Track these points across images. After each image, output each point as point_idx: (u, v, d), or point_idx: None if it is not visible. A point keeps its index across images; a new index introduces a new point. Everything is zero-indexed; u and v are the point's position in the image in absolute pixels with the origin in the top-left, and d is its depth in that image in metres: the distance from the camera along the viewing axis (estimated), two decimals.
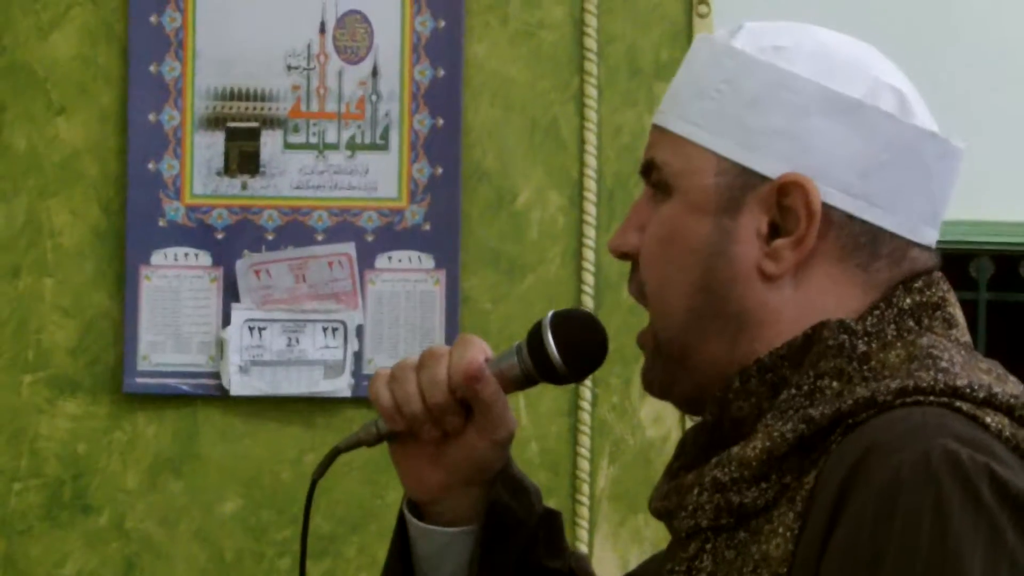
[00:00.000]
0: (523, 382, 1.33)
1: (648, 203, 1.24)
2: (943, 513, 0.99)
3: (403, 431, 1.34)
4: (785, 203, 1.16)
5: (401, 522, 1.38)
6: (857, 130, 1.17)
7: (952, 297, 1.22)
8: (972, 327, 1.44)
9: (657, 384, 1.23)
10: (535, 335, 1.32)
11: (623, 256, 1.25)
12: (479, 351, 1.34)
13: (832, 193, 1.16)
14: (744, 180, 1.19)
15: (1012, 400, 1.08)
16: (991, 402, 1.07)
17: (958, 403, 1.07)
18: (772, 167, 1.18)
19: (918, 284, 1.19)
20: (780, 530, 1.09)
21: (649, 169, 1.23)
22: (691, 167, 1.21)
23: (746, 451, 1.13)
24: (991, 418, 1.06)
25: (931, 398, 1.08)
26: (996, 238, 3.59)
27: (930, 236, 1.22)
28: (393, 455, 1.37)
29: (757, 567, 1.09)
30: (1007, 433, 1.05)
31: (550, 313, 1.33)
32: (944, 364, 1.11)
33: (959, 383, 1.08)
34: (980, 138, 3.32)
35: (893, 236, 1.18)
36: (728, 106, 1.22)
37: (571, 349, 1.32)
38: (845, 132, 1.17)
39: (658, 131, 1.24)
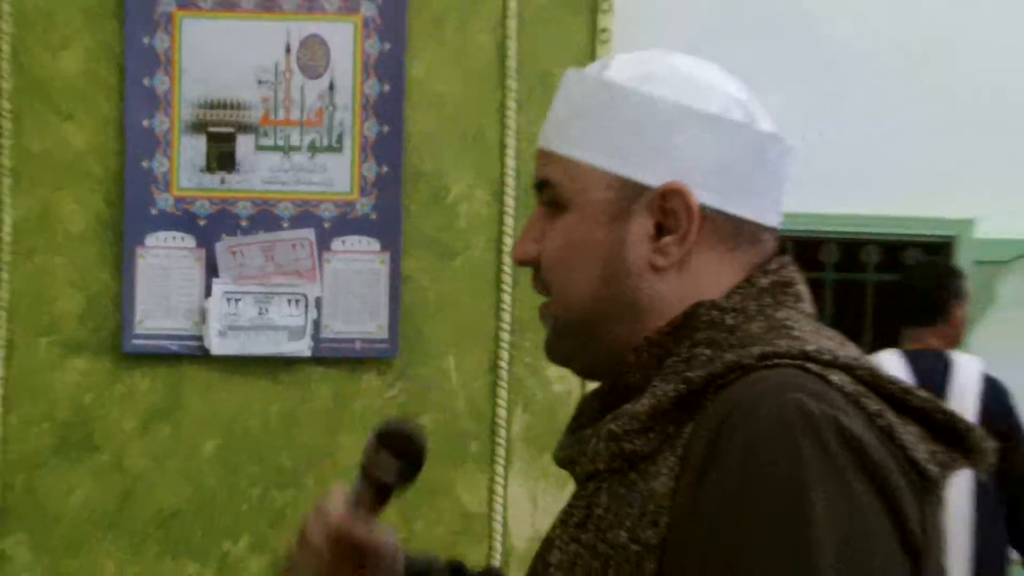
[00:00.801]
0: (383, 498, 1.35)
1: (542, 217, 1.24)
2: (795, 458, 1.01)
3: None
4: (667, 207, 1.17)
5: None
6: (716, 139, 1.18)
7: (799, 277, 1.24)
8: (820, 303, 1.43)
9: (560, 356, 1.27)
10: (372, 458, 1.34)
11: (523, 263, 1.26)
12: (327, 509, 1.37)
13: (702, 193, 1.17)
14: (630, 191, 1.19)
15: (852, 362, 1.10)
16: (835, 363, 1.09)
17: (808, 364, 1.08)
18: (652, 178, 1.18)
19: (773, 266, 1.21)
20: (664, 471, 1.11)
21: (543, 186, 1.23)
22: (583, 184, 1.21)
23: (636, 407, 1.14)
24: (836, 376, 1.07)
25: (787, 361, 1.09)
26: (841, 228, 3.80)
27: (775, 220, 1.23)
28: None
29: (645, 501, 1.11)
30: (848, 389, 1.07)
31: (375, 433, 1.35)
32: (797, 333, 1.14)
33: (809, 348, 1.10)
34: (826, 140, 3.46)
35: (749, 222, 1.20)
36: (609, 129, 1.21)
37: (412, 451, 1.36)
38: (707, 142, 1.18)
39: (547, 154, 1.24)
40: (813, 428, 1.02)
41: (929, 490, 1.10)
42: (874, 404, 1.07)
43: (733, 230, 1.20)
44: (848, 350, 1.13)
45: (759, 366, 1.09)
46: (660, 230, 1.18)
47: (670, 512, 1.08)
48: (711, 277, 1.20)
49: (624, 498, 1.14)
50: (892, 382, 1.11)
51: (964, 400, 3.17)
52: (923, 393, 1.11)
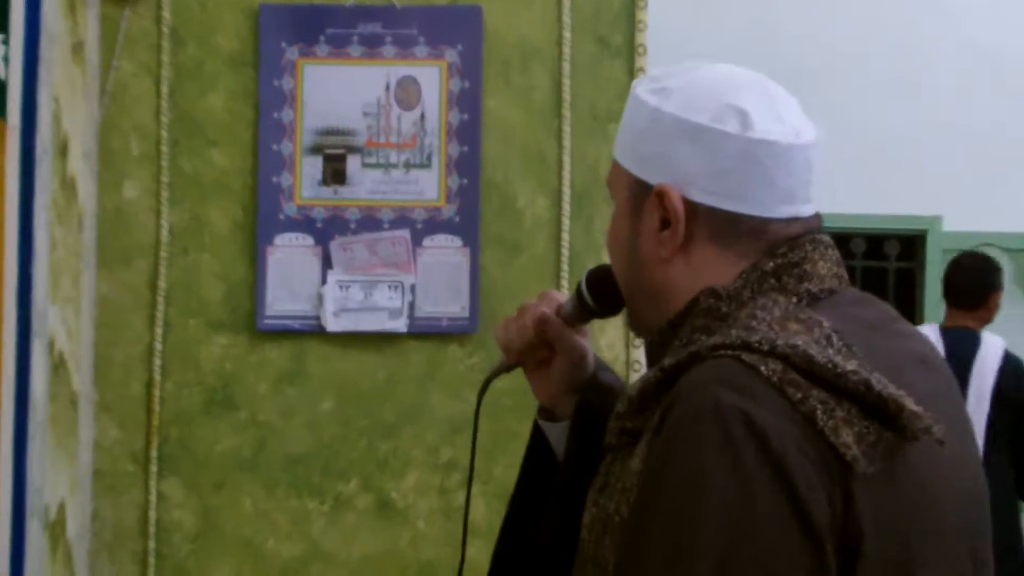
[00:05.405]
0: (579, 319, 1.41)
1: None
2: (700, 447, 1.01)
3: (515, 363, 1.46)
4: (665, 204, 1.19)
5: (536, 424, 1.50)
6: (704, 147, 1.17)
7: (815, 255, 1.18)
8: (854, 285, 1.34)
9: (632, 329, 1.38)
10: (578, 287, 1.39)
11: None
12: (549, 302, 1.41)
13: (696, 192, 1.18)
14: (640, 190, 1.22)
15: (789, 351, 1.04)
16: (773, 353, 1.05)
17: (744, 355, 1.05)
18: (655, 179, 1.20)
19: (782, 249, 1.18)
20: (639, 450, 1.12)
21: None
22: (618, 182, 1.26)
23: (631, 390, 1.15)
24: (766, 367, 1.04)
25: (728, 352, 1.06)
26: (865, 225, 4.54)
27: (790, 211, 1.18)
28: (527, 378, 1.49)
29: (628, 477, 1.13)
30: (775, 378, 1.03)
31: (586, 271, 1.40)
32: (754, 324, 1.09)
33: (752, 339, 1.06)
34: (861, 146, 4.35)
35: (750, 217, 1.18)
36: (631, 137, 1.24)
37: (600, 294, 1.38)
38: (696, 149, 1.18)
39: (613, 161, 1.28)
40: (720, 418, 1.01)
41: (855, 472, 1.01)
42: (799, 392, 1.02)
43: (732, 224, 1.18)
44: (796, 338, 1.06)
45: (709, 356, 1.07)
46: (665, 225, 1.20)
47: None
48: (714, 265, 1.19)
49: (620, 474, 1.15)
50: (827, 368, 1.03)
51: (985, 370, 3.61)
52: (857, 376, 1.03)
